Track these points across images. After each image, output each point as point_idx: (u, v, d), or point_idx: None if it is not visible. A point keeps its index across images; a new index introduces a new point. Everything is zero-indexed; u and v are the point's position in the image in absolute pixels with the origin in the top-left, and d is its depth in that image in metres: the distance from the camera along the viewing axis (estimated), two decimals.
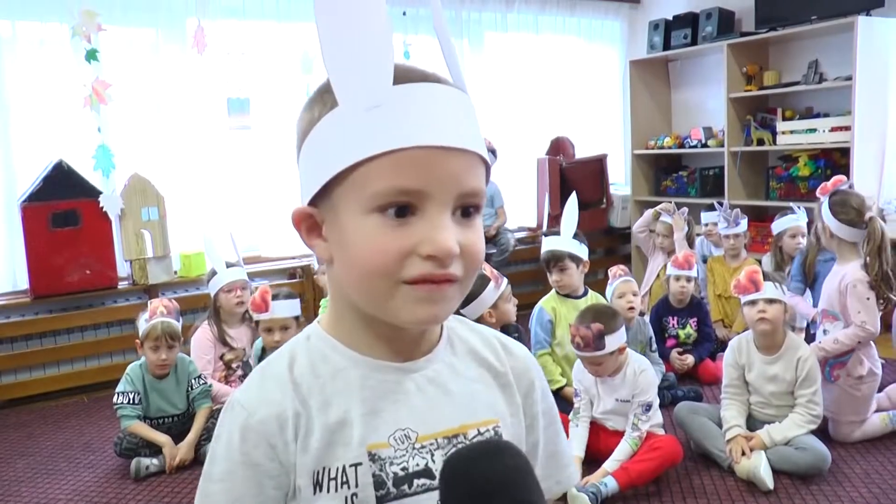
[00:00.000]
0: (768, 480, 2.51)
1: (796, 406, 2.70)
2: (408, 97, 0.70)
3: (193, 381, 3.14)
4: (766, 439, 2.64)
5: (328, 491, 0.76)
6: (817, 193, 3.10)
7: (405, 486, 0.77)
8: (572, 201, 3.34)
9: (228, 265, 3.47)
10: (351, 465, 0.76)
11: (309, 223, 0.77)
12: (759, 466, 2.54)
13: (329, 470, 0.76)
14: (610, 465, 2.58)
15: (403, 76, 0.71)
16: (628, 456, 2.59)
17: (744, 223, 4.18)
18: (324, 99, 0.74)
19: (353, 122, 0.70)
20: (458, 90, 0.75)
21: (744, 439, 2.65)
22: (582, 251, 3.31)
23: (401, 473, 0.77)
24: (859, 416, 2.88)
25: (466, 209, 0.74)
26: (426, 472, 0.78)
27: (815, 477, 2.58)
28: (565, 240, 3.30)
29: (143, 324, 3.04)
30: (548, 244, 3.35)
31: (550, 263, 3.31)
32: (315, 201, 0.76)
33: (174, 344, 3.01)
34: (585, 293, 3.36)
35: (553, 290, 3.40)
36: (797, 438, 2.64)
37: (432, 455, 0.79)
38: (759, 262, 4.08)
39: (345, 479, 0.76)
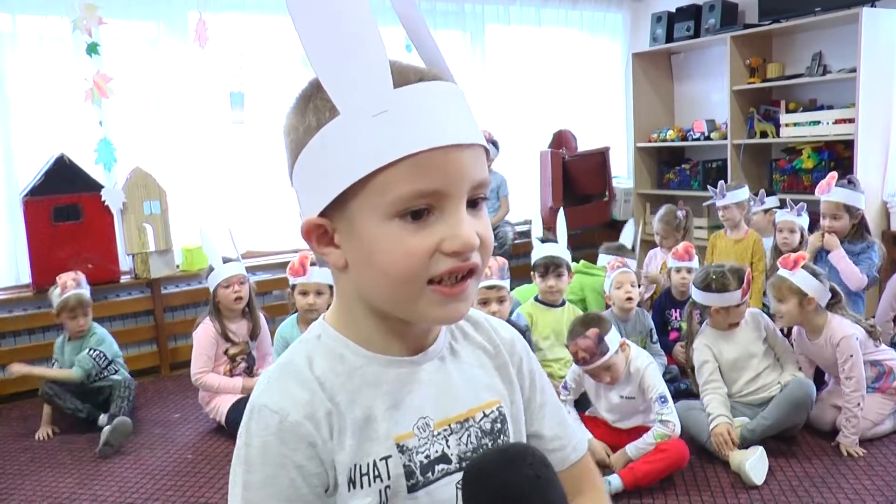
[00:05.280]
0: (753, 476, 2.50)
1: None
2: (411, 99, 0.70)
3: (86, 351, 3.40)
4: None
5: (362, 486, 0.78)
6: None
7: (430, 474, 0.80)
8: (562, 217, 3.46)
9: (226, 260, 3.43)
10: (381, 459, 0.78)
11: (319, 233, 0.77)
12: (744, 461, 2.53)
13: (361, 466, 0.78)
14: (631, 448, 2.60)
15: (400, 78, 0.71)
16: (650, 445, 2.58)
17: (741, 192, 4.00)
18: (316, 106, 0.73)
19: (361, 129, 0.70)
20: (451, 83, 0.75)
21: (728, 428, 2.65)
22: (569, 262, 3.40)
23: (425, 461, 0.80)
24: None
25: (475, 201, 0.76)
26: (444, 458, 0.82)
27: (815, 462, 2.58)
28: (562, 248, 3.35)
29: (55, 298, 3.40)
30: (546, 250, 3.35)
31: (549, 269, 3.32)
32: (324, 211, 0.75)
33: (87, 311, 3.44)
34: (563, 304, 3.39)
35: (531, 299, 3.42)
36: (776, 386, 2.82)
37: (447, 441, 0.82)
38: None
39: (377, 473, 0.78)
